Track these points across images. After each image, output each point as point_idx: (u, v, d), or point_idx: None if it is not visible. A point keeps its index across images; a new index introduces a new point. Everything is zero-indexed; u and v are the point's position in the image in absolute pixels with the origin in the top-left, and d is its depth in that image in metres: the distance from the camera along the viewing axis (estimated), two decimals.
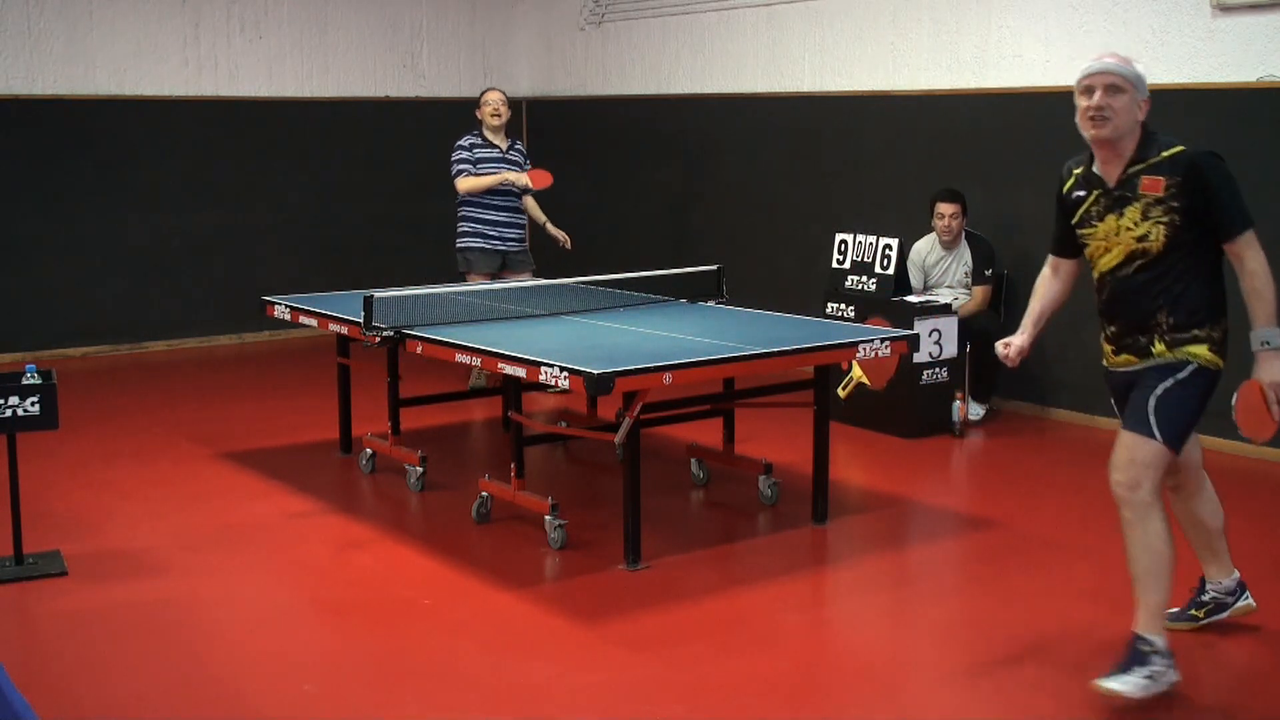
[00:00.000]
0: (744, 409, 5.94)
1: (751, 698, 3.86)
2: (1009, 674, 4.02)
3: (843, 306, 7.29)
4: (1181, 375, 3.75)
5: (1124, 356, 3.89)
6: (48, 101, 9.05)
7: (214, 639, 4.30)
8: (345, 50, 10.20)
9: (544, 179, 7.74)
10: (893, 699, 3.91)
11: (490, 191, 7.70)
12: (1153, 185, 3.73)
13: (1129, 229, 3.77)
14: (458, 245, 7.84)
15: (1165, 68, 6.66)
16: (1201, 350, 3.76)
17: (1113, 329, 3.91)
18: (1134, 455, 3.74)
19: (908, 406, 6.97)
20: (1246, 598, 4.30)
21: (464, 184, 7.68)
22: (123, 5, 9.28)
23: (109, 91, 9.27)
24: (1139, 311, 3.81)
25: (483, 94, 7.92)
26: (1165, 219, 3.71)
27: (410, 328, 5.53)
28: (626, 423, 4.80)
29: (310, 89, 10.04)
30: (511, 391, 5.47)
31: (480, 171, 7.68)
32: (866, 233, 7.35)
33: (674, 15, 9.49)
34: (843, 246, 7.44)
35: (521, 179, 7.67)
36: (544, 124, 10.92)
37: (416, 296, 6.20)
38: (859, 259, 7.32)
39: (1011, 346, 4.12)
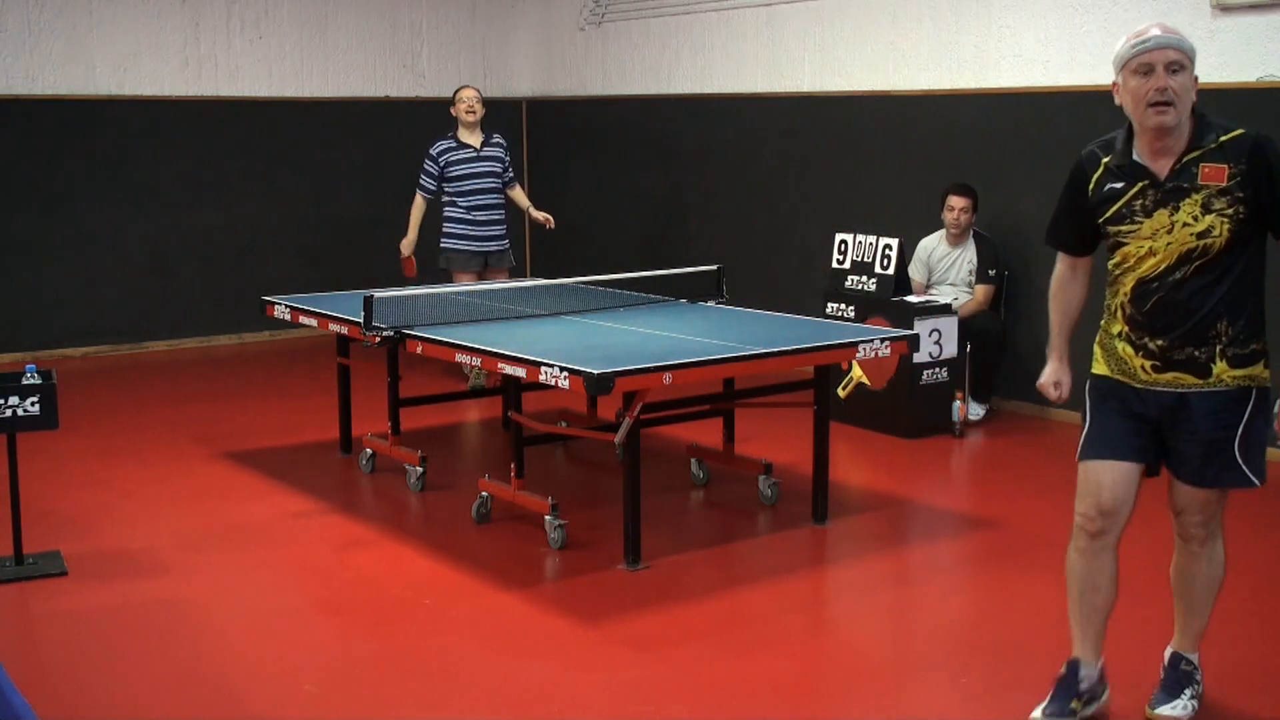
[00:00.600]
0: (744, 409, 5.94)
1: (751, 698, 3.86)
2: (1009, 674, 4.02)
3: (843, 306, 7.29)
4: (1249, 412, 3.41)
5: (1172, 375, 3.41)
6: (48, 101, 9.05)
7: (214, 639, 4.30)
8: (345, 50, 10.20)
9: (410, 269, 7.94)
10: (893, 699, 3.91)
11: (474, 191, 7.85)
12: (1215, 174, 3.29)
13: (1187, 224, 3.31)
14: (442, 245, 7.96)
15: None
16: (1259, 370, 3.42)
17: (1159, 343, 3.40)
18: (1209, 497, 3.50)
19: (908, 406, 6.97)
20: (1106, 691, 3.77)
21: (414, 203, 7.92)
22: (123, 5, 9.29)
23: (109, 91, 9.27)
24: (1196, 320, 3.36)
25: (457, 91, 8.00)
26: (1229, 211, 3.28)
27: (410, 328, 5.53)
28: (626, 423, 4.80)
29: (310, 89, 10.04)
30: (511, 391, 5.47)
31: (451, 173, 7.82)
32: (866, 233, 7.35)
33: (674, 15, 9.49)
34: (843, 246, 7.44)
35: (407, 251, 7.91)
36: (544, 124, 10.92)
37: (416, 296, 6.20)
38: (859, 259, 7.32)
39: (1062, 386, 3.72)
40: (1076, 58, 7.04)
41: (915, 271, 7.41)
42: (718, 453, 6.00)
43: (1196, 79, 3.40)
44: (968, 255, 7.32)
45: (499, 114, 10.93)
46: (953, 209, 7.24)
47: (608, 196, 10.33)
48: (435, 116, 10.31)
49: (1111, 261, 3.51)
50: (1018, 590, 4.72)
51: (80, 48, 9.16)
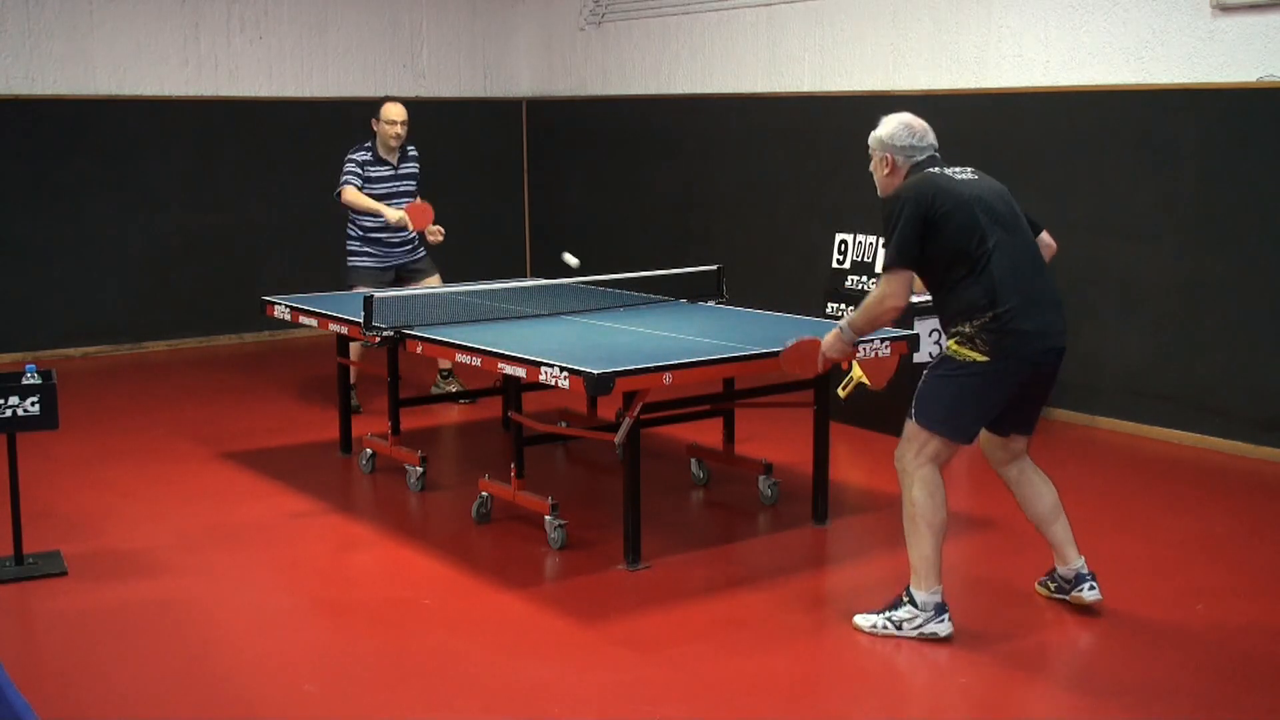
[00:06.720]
0: (744, 409, 5.94)
1: (751, 698, 3.86)
2: (1008, 674, 4.02)
3: (843, 306, 7.28)
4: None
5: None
6: (48, 101, 9.05)
7: (214, 639, 4.31)
8: (345, 50, 10.20)
9: (423, 218, 7.11)
10: (893, 699, 3.91)
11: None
12: None
13: None
14: (348, 263, 7.38)
15: (1165, 68, 6.66)
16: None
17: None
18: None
19: (908, 407, 6.95)
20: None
21: (347, 194, 7.15)
22: (123, 5, 9.29)
23: (109, 91, 9.27)
24: None
25: (383, 106, 7.29)
26: None
27: (410, 328, 5.53)
28: (626, 423, 4.80)
29: (310, 89, 10.04)
30: (511, 391, 5.47)
31: (370, 191, 7.19)
32: (866, 233, 7.35)
33: (674, 15, 9.49)
34: (843, 246, 7.44)
35: (395, 215, 7.05)
36: (544, 124, 10.92)
37: (416, 296, 6.21)
38: (859, 259, 7.32)
39: None
40: (1076, 58, 7.04)
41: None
42: (718, 453, 6.00)
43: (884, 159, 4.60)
44: None
45: (499, 114, 10.96)
46: None
47: (607, 197, 10.33)
48: (435, 116, 10.34)
49: None
50: (1017, 590, 4.72)
51: (80, 48, 9.16)
